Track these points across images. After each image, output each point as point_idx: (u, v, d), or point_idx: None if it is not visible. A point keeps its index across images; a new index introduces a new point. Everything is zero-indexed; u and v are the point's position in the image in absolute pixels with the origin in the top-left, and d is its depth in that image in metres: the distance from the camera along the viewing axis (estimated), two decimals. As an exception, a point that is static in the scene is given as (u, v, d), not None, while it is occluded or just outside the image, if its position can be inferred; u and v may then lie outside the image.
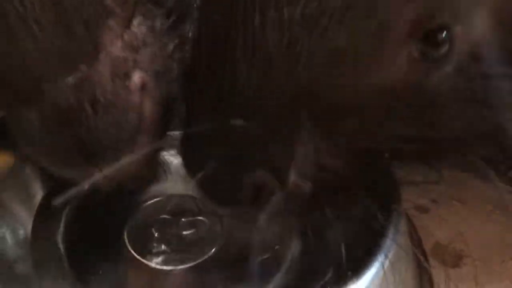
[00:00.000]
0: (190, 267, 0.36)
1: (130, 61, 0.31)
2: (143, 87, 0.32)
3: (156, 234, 0.39)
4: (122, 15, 0.30)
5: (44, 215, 0.39)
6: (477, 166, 0.34)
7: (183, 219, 0.40)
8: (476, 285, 0.39)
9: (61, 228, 0.37)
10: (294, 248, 0.38)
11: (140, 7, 0.32)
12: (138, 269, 0.37)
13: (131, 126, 0.31)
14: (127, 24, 0.31)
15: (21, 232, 0.41)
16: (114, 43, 0.30)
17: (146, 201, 0.40)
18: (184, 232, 0.39)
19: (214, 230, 0.39)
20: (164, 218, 0.40)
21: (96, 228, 0.39)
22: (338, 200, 0.33)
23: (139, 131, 0.32)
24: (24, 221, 0.41)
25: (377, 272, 0.31)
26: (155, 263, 0.37)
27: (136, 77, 0.31)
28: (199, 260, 0.37)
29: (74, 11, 0.28)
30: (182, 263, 0.37)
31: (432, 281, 0.38)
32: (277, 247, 0.38)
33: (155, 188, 0.40)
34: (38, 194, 0.41)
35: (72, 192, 0.31)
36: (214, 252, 0.37)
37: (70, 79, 0.29)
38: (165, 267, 0.36)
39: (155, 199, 0.40)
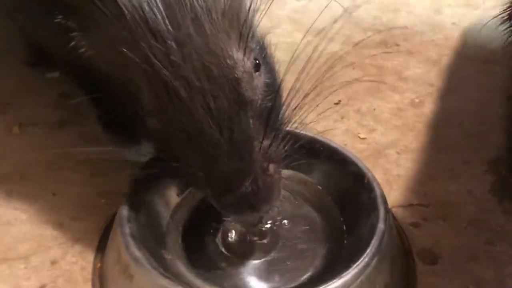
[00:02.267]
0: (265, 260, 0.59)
1: None
2: None
3: (236, 238, 0.61)
4: None
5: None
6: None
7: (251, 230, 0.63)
8: (445, 278, 0.60)
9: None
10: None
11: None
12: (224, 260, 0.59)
13: None
14: None
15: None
16: None
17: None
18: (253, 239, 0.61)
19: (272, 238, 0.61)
20: (241, 229, 0.62)
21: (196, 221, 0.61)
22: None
23: None
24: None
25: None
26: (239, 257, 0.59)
27: None
28: (266, 258, 0.59)
29: None
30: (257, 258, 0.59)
31: (415, 274, 0.59)
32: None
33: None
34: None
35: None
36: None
37: None
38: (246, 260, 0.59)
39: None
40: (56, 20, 0.55)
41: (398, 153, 0.78)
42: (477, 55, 1.03)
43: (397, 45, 1.07)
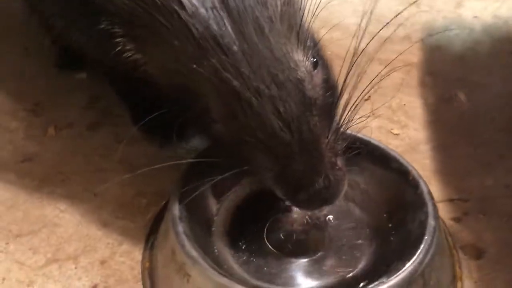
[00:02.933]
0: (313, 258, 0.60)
1: None
2: None
3: (282, 236, 0.62)
4: None
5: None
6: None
7: (297, 227, 0.63)
8: (491, 273, 0.60)
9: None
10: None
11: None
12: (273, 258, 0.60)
13: None
14: None
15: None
16: None
17: (275, 214, 0.64)
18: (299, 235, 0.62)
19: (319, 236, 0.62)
20: (286, 226, 0.63)
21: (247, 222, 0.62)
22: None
23: None
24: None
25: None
26: (286, 255, 0.60)
27: None
28: (314, 256, 0.60)
29: None
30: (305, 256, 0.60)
31: (461, 268, 0.60)
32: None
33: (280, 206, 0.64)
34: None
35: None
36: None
37: None
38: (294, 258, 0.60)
39: (281, 214, 0.64)
40: (101, 27, 0.57)
41: (432, 148, 0.79)
42: (503, 48, 1.03)
43: (421, 40, 1.07)
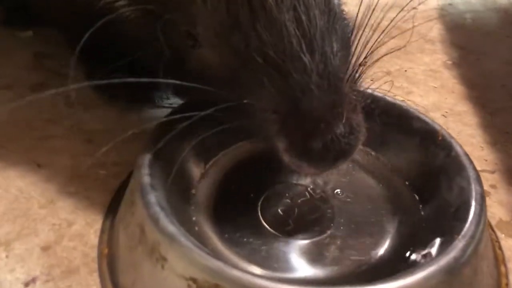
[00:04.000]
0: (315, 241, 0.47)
1: None
2: None
3: (281, 212, 0.49)
4: None
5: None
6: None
7: (297, 201, 0.51)
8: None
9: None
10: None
11: None
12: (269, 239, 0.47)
13: None
14: None
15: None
16: None
17: (271, 186, 0.51)
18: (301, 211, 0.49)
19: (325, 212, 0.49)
20: (285, 200, 0.50)
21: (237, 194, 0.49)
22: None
23: None
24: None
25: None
26: (286, 236, 0.47)
27: None
28: (321, 236, 0.47)
29: None
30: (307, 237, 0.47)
31: (501, 248, 0.49)
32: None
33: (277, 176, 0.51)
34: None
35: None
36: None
37: None
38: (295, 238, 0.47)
39: (278, 185, 0.51)
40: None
41: (444, 116, 0.68)
42: (507, 18, 0.95)
43: (415, 8, 0.97)
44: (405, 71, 0.78)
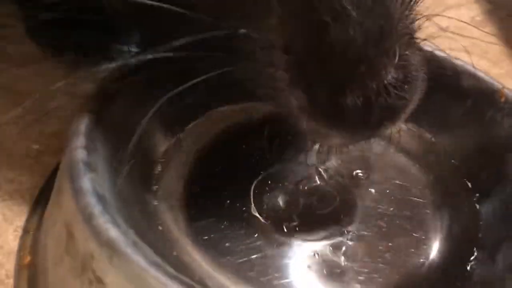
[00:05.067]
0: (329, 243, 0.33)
1: None
2: None
3: (281, 203, 0.35)
4: None
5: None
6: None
7: (304, 187, 0.37)
8: None
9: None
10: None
11: None
12: (267, 243, 0.33)
13: None
14: None
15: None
16: None
17: (268, 166, 0.37)
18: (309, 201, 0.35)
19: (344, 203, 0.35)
20: (287, 186, 0.36)
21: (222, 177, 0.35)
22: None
23: None
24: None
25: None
26: (288, 236, 0.33)
27: None
28: (337, 238, 0.33)
29: None
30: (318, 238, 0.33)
31: None
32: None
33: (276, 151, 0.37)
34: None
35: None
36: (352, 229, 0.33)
37: None
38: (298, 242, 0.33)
39: (277, 165, 0.37)
40: None
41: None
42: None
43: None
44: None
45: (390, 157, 0.38)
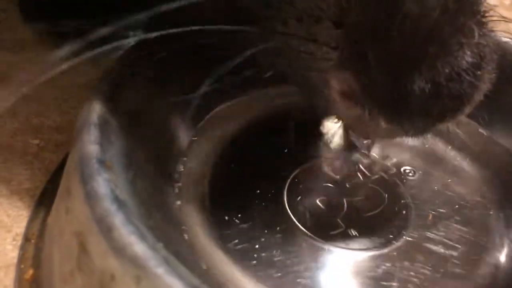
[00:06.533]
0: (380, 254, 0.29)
1: None
2: None
3: (323, 207, 0.30)
4: None
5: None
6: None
7: (346, 185, 0.32)
8: None
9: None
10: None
11: None
12: (308, 252, 0.29)
13: None
14: None
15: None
16: None
17: (303, 162, 0.32)
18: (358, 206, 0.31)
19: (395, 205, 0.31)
20: (326, 184, 0.32)
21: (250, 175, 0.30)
22: None
23: None
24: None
25: None
26: (332, 244, 0.28)
27: None
28: (392, 245, 0.29)
29: None
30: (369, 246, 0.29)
31: None
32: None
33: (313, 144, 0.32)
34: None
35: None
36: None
37: None
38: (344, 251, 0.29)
39: (315, 160, 0.32)
40: None
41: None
42: None
43: None
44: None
45: (443, 151, 0.34)
